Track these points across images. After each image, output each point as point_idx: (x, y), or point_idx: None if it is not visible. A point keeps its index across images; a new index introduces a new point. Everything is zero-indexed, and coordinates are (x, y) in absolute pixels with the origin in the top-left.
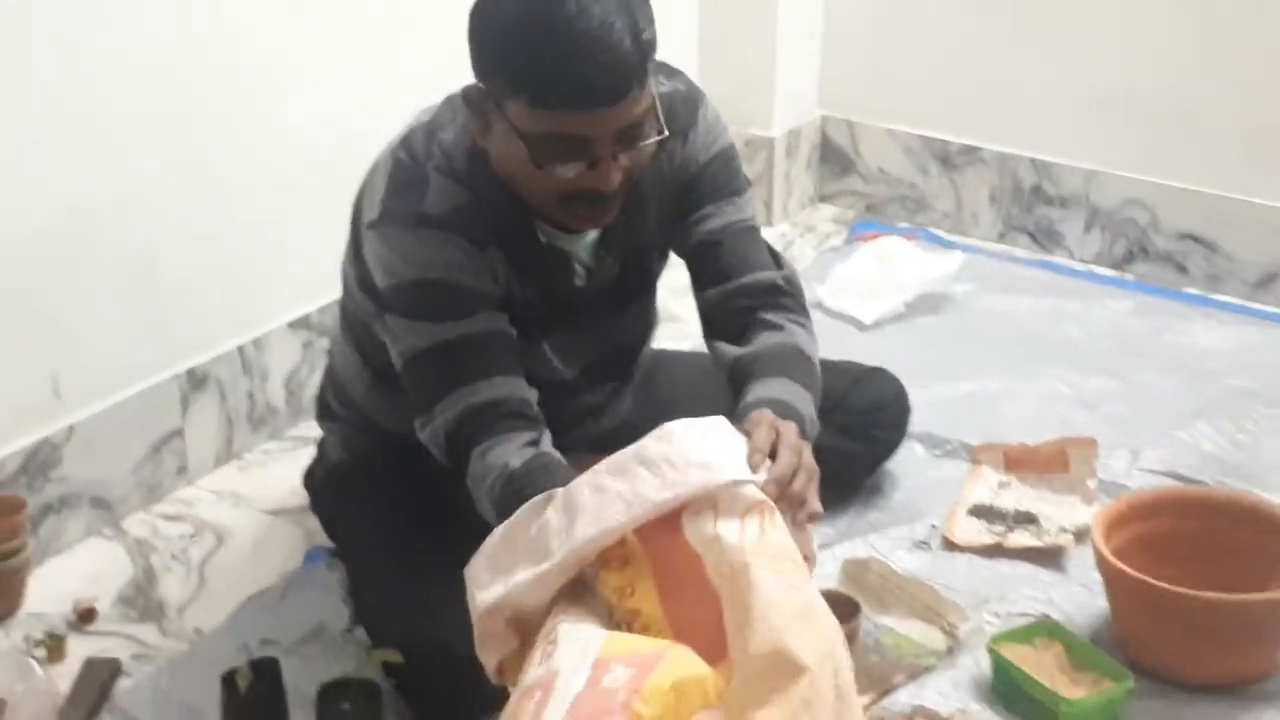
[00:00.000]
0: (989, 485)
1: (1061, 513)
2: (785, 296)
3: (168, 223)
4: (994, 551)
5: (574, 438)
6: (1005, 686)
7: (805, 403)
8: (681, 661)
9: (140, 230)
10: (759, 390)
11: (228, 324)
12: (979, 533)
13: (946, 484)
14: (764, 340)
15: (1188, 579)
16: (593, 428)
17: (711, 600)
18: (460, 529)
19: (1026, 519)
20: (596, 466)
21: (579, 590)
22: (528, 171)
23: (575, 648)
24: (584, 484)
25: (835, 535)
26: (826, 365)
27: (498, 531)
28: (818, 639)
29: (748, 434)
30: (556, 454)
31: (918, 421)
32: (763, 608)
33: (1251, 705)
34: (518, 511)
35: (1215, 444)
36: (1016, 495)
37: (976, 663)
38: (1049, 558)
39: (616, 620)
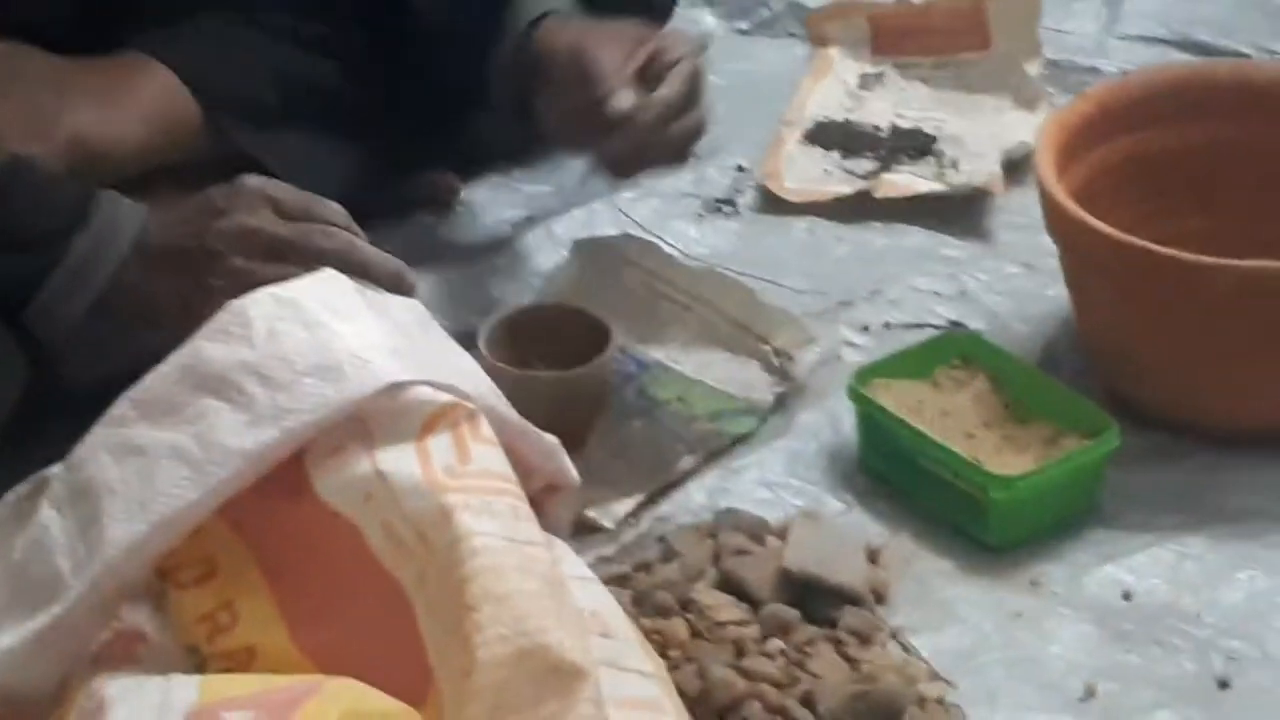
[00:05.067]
0: (843, 83)
1: (979, 128)
2: None
3: None
4: (857, 208)
5: None
6: (883, 459)
7: None
8: (351, 692)
9: None
10: None
11: None
12: (827, 175)
13: (763, 85)
14: None
15: (1217, 237)
16: None
17: (384, 596)
18: None
19: (915, 143)
20: (114, 410)
21: (127, 643)
22: None
23: (145, 707)
24: (99, 447)
25: (551, 199)
26: None
27: None
28: (577, 617)
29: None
30: None
31: None
32: (489, 581)
33: None
34: None
35: None
36: (894, 99)
37: (830, 421)
38: (958, 214)
39: (211, 673)
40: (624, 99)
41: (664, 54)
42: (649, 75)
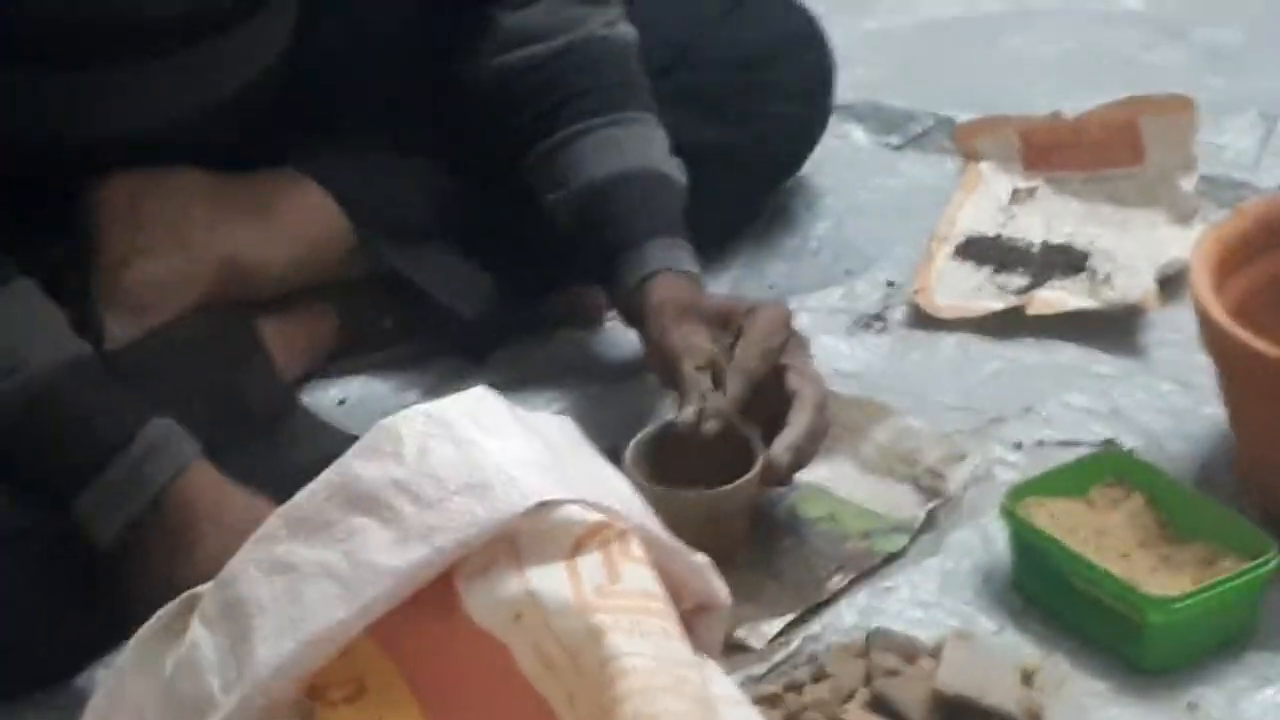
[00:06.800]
0: (994, 198)
1: (1133, 243)
2: None
3: None
4: (1009, 324)
5: None
6: (1037, 579)
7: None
8: None
9: None
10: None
11: None
12: (978, 290)
13: (912, 199)
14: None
15: None
16: None
17: (534, 717)
18: None
19: (1067, 259)
20: (265, 529)
21: None
22: None
23: None
24: (249, 564)
25: None
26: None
27: (102, 692)
28: None
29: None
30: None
31: (852, 81)
32: (640, 702)
33: None
34: (133, 643)
35: None
36: (1046, 214)
37: (982, 540)
38: (1111, 330)
39: None
40: (687, 415)
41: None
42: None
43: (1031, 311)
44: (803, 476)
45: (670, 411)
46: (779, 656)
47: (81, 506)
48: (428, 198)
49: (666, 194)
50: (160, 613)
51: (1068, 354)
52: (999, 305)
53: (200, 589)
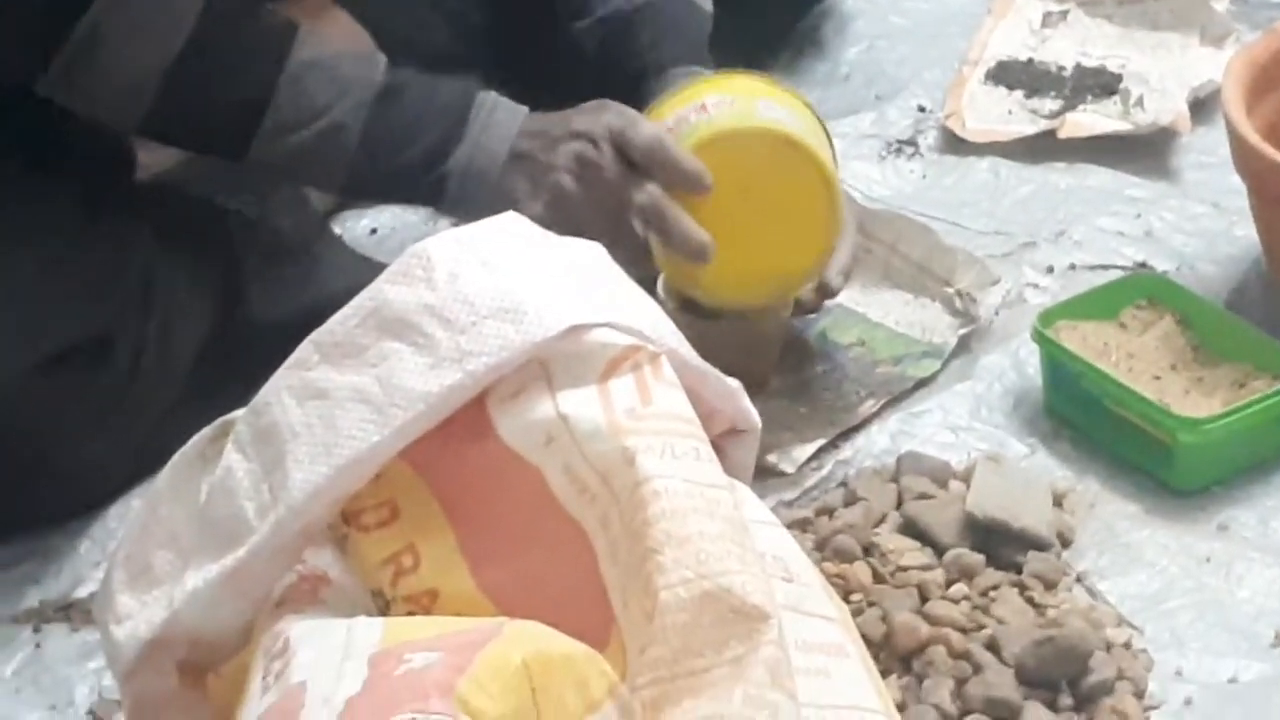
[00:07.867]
0: (1026, 22)
1: (1165, 66)
2: None
3: None
4: (1040, 148)
5: None
6: (1068, 402)
7: None
8: (533, 634)
9: None
10: None
11: None
12: (1009, 114)
13: (945, 24)
14: None
15: None
16: None
17: (566, 539)
18: None
19: (1099, 82)
20: (297, 353)
21: (311, 586)
22: None
23: (329, 647)
24: (282, 390)
25: None
26: None
27: (136, 518)
28: (759, 560)
29: None
30: None
31: None
32: (672, 524)
33: None
34: (167, 469)
35: None
36: (1078, 37)
37: (1014, 364)
38: (1144, 153)
39: (395, 615)
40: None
41: None
42: None
43: (1063, 135)
44: (842, 302)
45: None
46: (810, 481)
47: (455, 165)
48: (457, 27)
49: (691, 21)
50: (194, 439)
51: (1099, 177)
52: (1031, 129)
53: (233, 415)
